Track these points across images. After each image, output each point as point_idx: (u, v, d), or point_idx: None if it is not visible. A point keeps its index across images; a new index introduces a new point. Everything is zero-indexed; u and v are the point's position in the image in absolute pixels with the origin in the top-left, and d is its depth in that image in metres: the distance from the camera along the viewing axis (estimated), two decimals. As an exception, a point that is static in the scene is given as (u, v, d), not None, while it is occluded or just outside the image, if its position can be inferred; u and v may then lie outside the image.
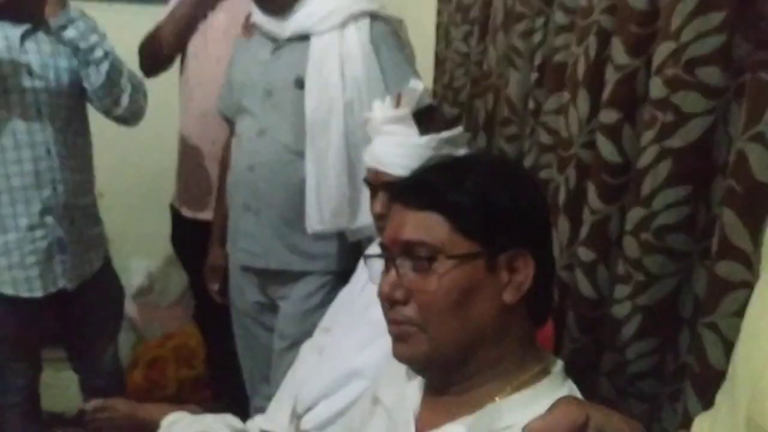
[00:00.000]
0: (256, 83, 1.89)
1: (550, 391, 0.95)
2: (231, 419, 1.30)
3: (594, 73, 1.35)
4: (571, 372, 1.48)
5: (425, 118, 1.45)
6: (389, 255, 0.97)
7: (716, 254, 1.04)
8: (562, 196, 1.47)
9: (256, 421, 1.43)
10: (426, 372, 1.00)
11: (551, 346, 1.43)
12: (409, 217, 0.95)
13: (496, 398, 0.94)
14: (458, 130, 1.45)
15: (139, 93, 2.04)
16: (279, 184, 1.86)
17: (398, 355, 0.98)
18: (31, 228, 1.87)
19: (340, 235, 1.89)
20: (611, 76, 1.28)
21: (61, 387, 2.71)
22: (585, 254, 1.37)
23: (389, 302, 0.95)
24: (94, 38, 1.90)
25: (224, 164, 2.11)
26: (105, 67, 1.92)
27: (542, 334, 1.44)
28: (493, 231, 0.93)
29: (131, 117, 2.07)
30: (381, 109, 1.45)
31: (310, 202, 1.81)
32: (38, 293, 1.91)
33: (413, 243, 0.93)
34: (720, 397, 0.66)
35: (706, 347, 1.07)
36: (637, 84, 1.25)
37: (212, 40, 2.24)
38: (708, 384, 1.02)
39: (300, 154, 1.82)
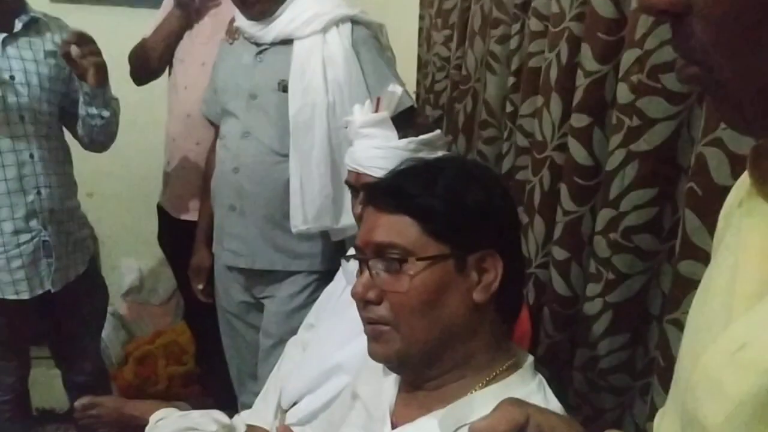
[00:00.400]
0: (240, 86, 1.91)
1: (521, 384, 0.98)
2: (218, 415, 1.33)
3: (565, 78, 1.39)
4: (546, 366, 1.53)
5: (404, 122, 1.49)
6: (363, 256, 1.00)
7: (679, 254, 1.08)
8: (537, 197, 1.51)
9: (243, 417, 1.46)
10: (400, 369, 1.04)
11: (529, 342, 1.47)
12: (382, 219, 0.98)
13: (469, 393, 0.97)
14: (436, 133, 1.48)
15: (117, 126, 2.09)
16: (263, 184, 1.89)
17: (373, 354, 1.01)
18: (16, 232, 1.88)
19: (325, 235, 1.91)
20: (581, 82, 1.32)
21: (51, 384, 2.73)
22: (559, 253, 1.41)
23: (363, 302, 0.99)
24: (109, 109, 1.96)
25: (209, 166, 2.13)
26: (108, 128, 2.00)
27: (520, 331, 1.48)
28: (463, 233, 0.96)
29: (103, 149, 2.13)
30: (361, 113, 1.49)
31: (294, 203, 1.84)
32: (25, 296, 1.92)
33: (385, 245, 0.96)
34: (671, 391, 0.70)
35: (671, 342, 1.11)
36: (606, 89, 1.29)
37: (198, 45, 2.27)
38: (672, 378, 1.06)
39: (284, 156, 1.85)
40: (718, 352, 0.49)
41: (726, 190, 1.00)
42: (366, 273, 0.98)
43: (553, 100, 1.43)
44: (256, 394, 1.63)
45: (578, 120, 1.33)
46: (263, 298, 2.01)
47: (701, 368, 0.41)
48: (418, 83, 2.60)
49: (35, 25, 1.93)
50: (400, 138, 1.44)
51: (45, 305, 1.99)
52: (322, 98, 1.80)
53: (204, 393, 2.83)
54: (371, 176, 1.40)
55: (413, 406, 1.01)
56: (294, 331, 1.65)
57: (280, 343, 1.74)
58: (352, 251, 1.07)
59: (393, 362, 1.01)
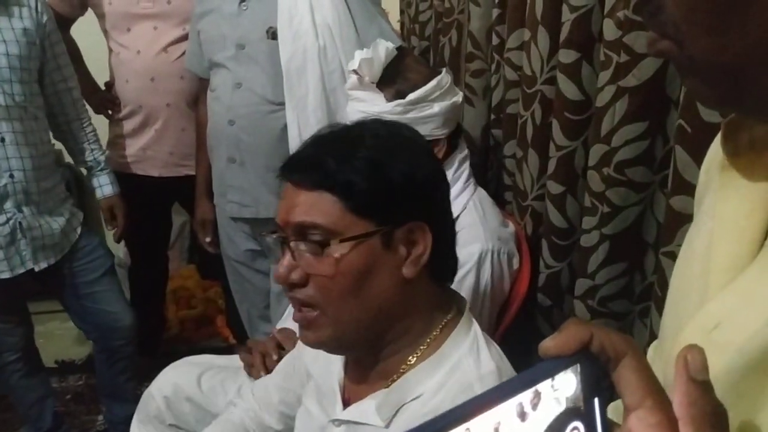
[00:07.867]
0: (226, 37, 1.87)
1: (454, 349, 0.95)
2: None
3: (551, 11, 1.38)
4: (548, 296, 1.58)
5: (395, 77, 1.47)
6: (284, 236, 0.93)
7: (671, 189, 1.11)
8: (530, 131, 1.53)
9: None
10: (338, 352, 1.01)
11: (524, 294, 1.52)
12: (301, 197, 0.90)
13: (407, 362, 0.95)
14: (428, 86, 1.45)
15: None
16: (261, 134, 1.87)
17: (305, 341, 0.96)
18: None
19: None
20: (567, 16, 1.32)
21: (68, 336, 2.81)
22: (554, 187, 1.44)
23: (287, 285, 0.93)
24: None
25: (201, 119, 2.11)
26: None
27: (519, 290, 1.52)
28: (388, 207, 0.90)
29: None
30: (349, 77, 1.51)
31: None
32: (5, 275, 1.89)
33: (306, 225, 0.89)
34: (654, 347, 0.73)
35: (667, 274, 1.15)
36: (593, 24, 1.30)
37: (142, 9, 2.23)
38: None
39: (278, 104, 1.83)
40: (696, 330, 0.52)
41: (715, 127, 1.03)
42: (288, 254, 0.91)
43: (540, 35, 1.43)
44: (267, 335, 1.67)
45: (566, 56, 1.34)
46: (270, 245, 2.02)
47: (680, 345, 0.45)
48: (402, 12, 2.55)
49: (3, 2, 1.80)
50: (388, 96, 1.44)
51: (48, 278, 1.97)
52: (312, 43, 1.77)
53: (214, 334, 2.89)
54: None
55: (361, 382, 1.00)
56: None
57: (290, 286, 1.77)
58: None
59: (327, 348, 0.97)
